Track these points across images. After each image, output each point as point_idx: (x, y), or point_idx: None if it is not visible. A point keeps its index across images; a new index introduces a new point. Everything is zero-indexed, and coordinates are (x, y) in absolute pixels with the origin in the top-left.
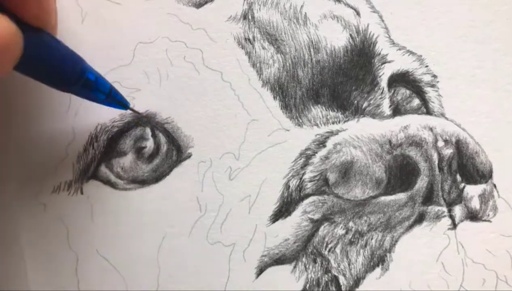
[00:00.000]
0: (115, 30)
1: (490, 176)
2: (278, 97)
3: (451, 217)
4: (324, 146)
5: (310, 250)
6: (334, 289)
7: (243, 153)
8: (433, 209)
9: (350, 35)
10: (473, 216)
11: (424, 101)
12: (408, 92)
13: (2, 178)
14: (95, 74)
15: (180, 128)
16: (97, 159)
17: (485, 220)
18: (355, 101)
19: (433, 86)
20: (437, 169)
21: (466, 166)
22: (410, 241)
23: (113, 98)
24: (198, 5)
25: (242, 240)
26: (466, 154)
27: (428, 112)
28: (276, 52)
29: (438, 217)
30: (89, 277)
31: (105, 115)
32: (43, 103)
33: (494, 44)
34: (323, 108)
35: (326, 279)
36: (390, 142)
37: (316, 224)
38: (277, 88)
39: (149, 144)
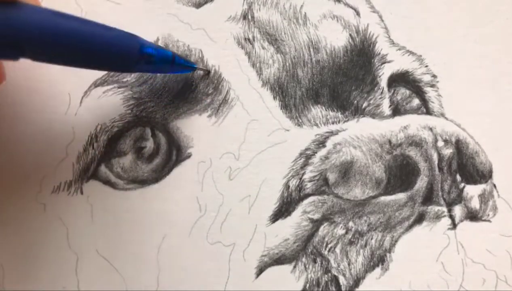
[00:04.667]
0: None
1: (490, 176)
2: (278, 97)
3: (451, 217)
4: (324, 146)
5: (310, 250)
6: (334, 289)
7: (243, 153)
8: (433, 209)
9: (350, 35)
10: (473, 216)
11: (424, 101)
12: (408, 92)
13: (2, 178)
14: (153, 46)
15: (180, 128)
16: (97, 159)
17: (485, 220)
18: (355, 101)
19: (433, 86)
20: (437, 169)
21: (466, 166)
22: (410, 241)
23: (177, 65)
24: (198, 5)
25: (242, 240)
26: (466, 154)
27: (428, 112)
28: (276, 52)
29: (438, 217)
30: (89, 277)
31: (105, 115)
32: (43, 103)
33: (494, 44)
34: (323, 108)
35: (326, 279)
36: (390, 142)
37: (316, 224)
38: (277, 88)
39: (149, 144)
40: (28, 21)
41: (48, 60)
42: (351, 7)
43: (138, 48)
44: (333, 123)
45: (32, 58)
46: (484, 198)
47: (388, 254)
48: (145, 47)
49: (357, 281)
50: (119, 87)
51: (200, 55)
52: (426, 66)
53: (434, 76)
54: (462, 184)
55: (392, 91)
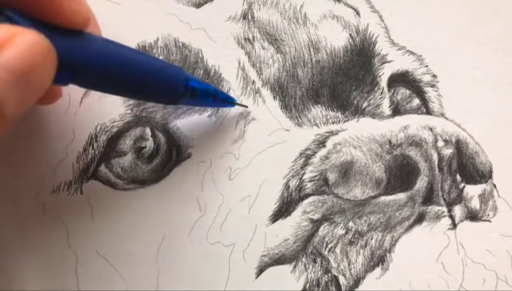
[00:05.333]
0: (115, 30)
1: (490, 176)
2: (278, 97)
3: (451, 217)
4: (324, 146)
5: (310, 250)
6: (334, 289)
7: (243, 153)
8: (433, 209)
9: (350, 35)
10: (473, 216)
11: (424, 101)
12: (408, 92)
13: (2, 178)
14: (197, 80)
15: (180, 128)
16: (97, 159)
17: (485, 220)
18: (355, 101)
19: (433, 86)
20: (437, 169)
21: (466, 166)
22: (410, 241)
23: (219, 99)
24: (198, 5)
25: (242, 240)
26: (466, 154)
27: (428, 112)
28: (276, 52)
29: (438, 217)
30: (89, 277)
31: (104, 115)
32: None
33: (494, 44)
34: (323, 108)
35: (326, 279)
36: (390, 142)
37: (316, 224)
38: (277, 88)
39: (149, 144)
40: (84, 49)
41: (96, 88)
42: (351, 7)
43: (184, 82)
44: (333, 123)
45: (81, 84)
46: (484, 198)
47: (388, 254)
48: (190, 81)
49: (357, 281)
50: None
51: (200, 55)
52: (426, 66)
53: (434, 76)
54: (462, 184)
55: (392, 91)
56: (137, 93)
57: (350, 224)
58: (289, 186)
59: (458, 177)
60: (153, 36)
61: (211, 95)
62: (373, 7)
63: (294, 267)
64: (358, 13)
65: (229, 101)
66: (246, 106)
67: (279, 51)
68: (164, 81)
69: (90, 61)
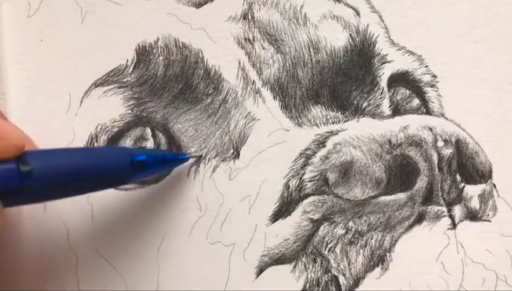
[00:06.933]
0: (115, 30)
1: (490, 176)
2: (278, 97)
3: (451, 217)
4: (324, 146)
5: (310, 250)
6: (334, 289)
7: (243, 153)
8: (432, 209)
9: (350, 35)
10: (472, 216)
11: (424, 101)
12: (408, 92)
13: None
14: (142, 152)
15: (180, 128)
16: None
17: (484, 220)
18: (355, 101)
19: (433, 86)
20: (436, 169)
21: (465, 166)
22: (410, 241)
23: (170, 161)
24: (198, 5)
25: (242, 240)
26: (466, 154)
27: (428, 112)
28: (276, 52)
29: (437, 217)
30: (89, 278)
31: (105, 115)
32: (43, 103)
33: (494, 44)
34: (323, 108)
35: (326, 279)
36: (390, 142)
37: (316, 224)
38: (277, 88)
39: (149, 144)
40: (19, 177)
41: (43, 201)
42: (351, 7)
43: (129, 160)
44: (333, 123)
45: (34, 201)
46: (484, 198)
47: (388, 254)
48: (135, 156)
49: (357, 281)
50: (119, 87)
51: (200, 55)
52: (426, 66)
53: (434, 76)
54: (462, 184)
55: (392, 91)
56: (86, 190)
57: (350, 224)
58: (289, 186)
59: (458, 177)
60: (153, 36)
61: (161, 160)
62: (373, 7)
63: (294, 267)
64: (358, 13)
65: (182, 159)
66: (200, 155)
67: (279, 51)
68: (111, 170)
69: (29, 188)
